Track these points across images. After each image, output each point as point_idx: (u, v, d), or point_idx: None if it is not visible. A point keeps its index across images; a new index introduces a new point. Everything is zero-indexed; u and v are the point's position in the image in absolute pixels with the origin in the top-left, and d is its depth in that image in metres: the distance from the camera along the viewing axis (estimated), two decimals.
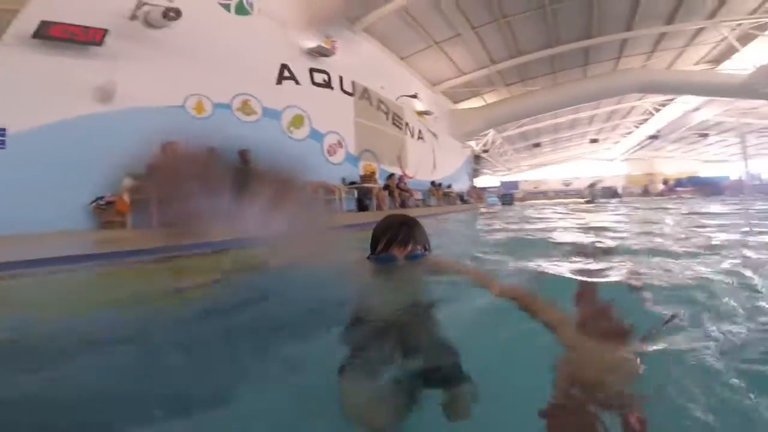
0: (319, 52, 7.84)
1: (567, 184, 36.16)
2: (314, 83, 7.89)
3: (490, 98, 15.38)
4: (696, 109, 19.02)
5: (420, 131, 12.79)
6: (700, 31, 11.67)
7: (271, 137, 6.57)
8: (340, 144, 8.53)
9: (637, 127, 24.38)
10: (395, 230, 1.30)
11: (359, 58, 9.40)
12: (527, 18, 10.27)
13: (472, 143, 19.25)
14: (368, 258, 1.37)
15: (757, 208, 7.60)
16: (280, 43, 7.17)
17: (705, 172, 30.75)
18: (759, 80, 11.54)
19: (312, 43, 7.67)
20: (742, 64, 12.54)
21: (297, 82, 7.41)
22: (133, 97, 4.64)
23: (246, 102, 6.28)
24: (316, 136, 7.85)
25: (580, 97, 13.81)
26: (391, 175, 10.18)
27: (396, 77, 11.33)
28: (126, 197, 4.16)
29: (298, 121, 7.32)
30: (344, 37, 8.78)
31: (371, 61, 10.12)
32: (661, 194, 25.40)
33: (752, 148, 23.32)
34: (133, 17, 4.78)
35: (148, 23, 4.93)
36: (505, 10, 9.85)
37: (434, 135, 13.82)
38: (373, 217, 7.38)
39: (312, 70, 7.84)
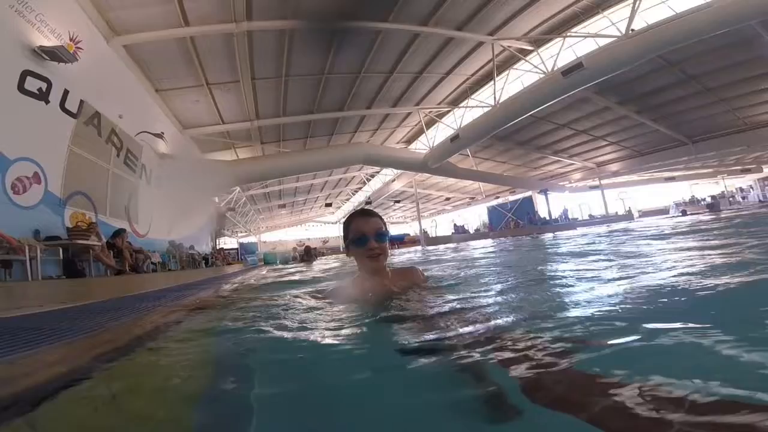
0: (54, 55, 5.72)
1: (301, 245, 39.30)
2: (22, 90, 5.37)
3: (243, 153, 14.91)
4: (392, 180, 25.48)
5: (160, 178, 10.53)
6: (408, 115, 15.89)
7: None
8: (37, 178, 5.68)
9: (354, 193, 30.03)
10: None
11: (103, 75, 7.21)
12: (305, 81, 10.89)
13: (216, 200, 17.76)
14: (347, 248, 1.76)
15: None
16: None
17: (393, 231, 41.46)
18: (430, 158, 16.70)
19: (49, 41, 5.67)
20: (421, 145, 17.75)
21: None
22: None
23: None
24: None
25: (323, 162, 15.16)
26: (121, 231, 7.61)
27: (142, 109, 9.16)
28: None
29: None
30: (95, 47, 6.77)
31: (117, 83, 7.94)
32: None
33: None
34: None
35: None
36: (291, 69, 10.11)
37: (176, 184, 11.70)
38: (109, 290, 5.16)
39: (26, 73, 5.40)
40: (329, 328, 1.25)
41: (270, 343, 1.17)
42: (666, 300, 1.27)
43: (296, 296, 2.03)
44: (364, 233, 1.65)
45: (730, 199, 26.97)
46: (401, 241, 32.25)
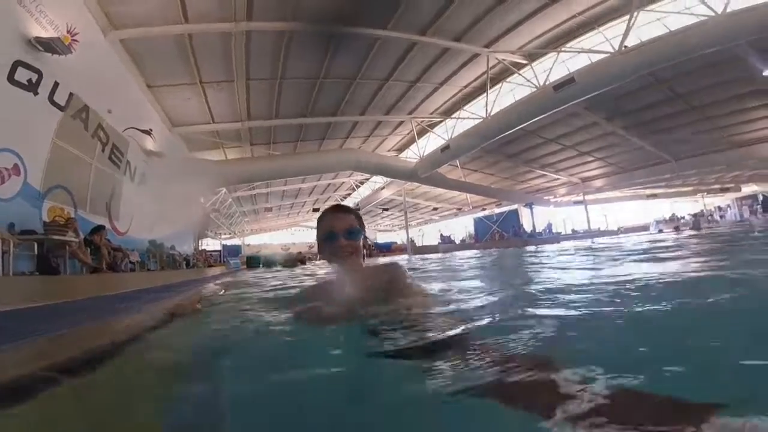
0: (49, 47, 5.64)
1: (285, 248, 38.89)
2: (12, 80, 5.25)
3: (231, 154, 14.72)
4: (382, 188, 25.45)
5: (144, 175, 10.31)
6: (401, 123, 15.92)
7: None
8: (17, 170, 5.50)
9: (343, 199, 29.87)
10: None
11: (96, 69, 7.08)
12: (299, 84, 10.84)
13: (201, 200, 17.45)
14: (318, 245, 1.63)
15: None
16: None
17: (380, 238, 41.60)
18: (420, 167, 16.70)
19: (47, 32, 5.61)
20: (411, 153, 17.82)
21: None
22: None
23: None
24: None
25: (314, 167, 15.01)
26: (100, 228, 7.40)
27: (131, 104, 8.97)
28: None
29: None
30: (92, 41, 6.71)
31: (110, 77, 7.81)
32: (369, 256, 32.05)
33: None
34: None
35: None
36: (286, 71, 10.08)
37: (161, 182, 11.44)
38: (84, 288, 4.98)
39: (18, 64, 5.30)
40: (300, 335, 1.23)
41: (240, 351, 1.14)
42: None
43: (271, 301, 1.99)
44: (333, 230, 1.52)
45: (709, 217, 27.82)
46: (388, 249, 32.40)
